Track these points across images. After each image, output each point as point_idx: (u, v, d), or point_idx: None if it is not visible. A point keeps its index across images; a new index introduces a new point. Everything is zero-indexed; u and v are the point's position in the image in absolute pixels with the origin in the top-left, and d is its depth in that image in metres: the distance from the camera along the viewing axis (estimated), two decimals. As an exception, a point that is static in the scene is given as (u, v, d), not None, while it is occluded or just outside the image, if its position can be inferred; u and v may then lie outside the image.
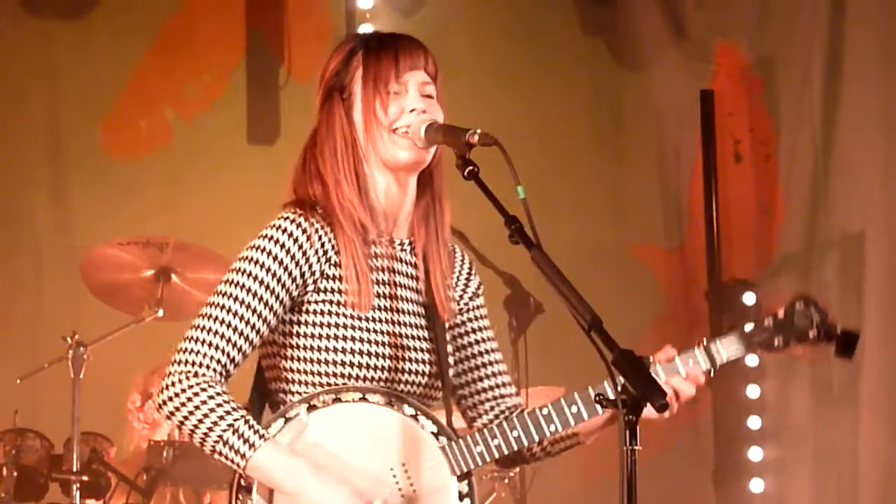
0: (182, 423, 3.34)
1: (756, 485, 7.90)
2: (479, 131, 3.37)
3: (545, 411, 3.41)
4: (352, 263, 3.46)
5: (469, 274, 3.73)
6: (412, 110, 3.49)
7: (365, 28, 7.81)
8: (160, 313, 6.38)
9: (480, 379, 3.68)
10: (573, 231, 7.53)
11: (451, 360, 3.62)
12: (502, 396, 3.69)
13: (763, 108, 8.18)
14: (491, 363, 3.70)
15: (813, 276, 7.90)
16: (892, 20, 7.44)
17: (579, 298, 3.18)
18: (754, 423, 7.97)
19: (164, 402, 3.35)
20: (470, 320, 3.70)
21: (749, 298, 8.08)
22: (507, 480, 6.60)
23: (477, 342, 3.69)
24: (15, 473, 6.07)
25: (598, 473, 7.20)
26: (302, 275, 3.44)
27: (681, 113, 8.27)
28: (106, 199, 7.61)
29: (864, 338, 7.36)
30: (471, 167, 3.34)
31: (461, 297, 3.68)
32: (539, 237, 3.27)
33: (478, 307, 3.71)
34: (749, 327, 3.50)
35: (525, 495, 6.63)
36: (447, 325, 3.62)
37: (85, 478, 6.06)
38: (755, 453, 7.93)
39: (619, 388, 3.05)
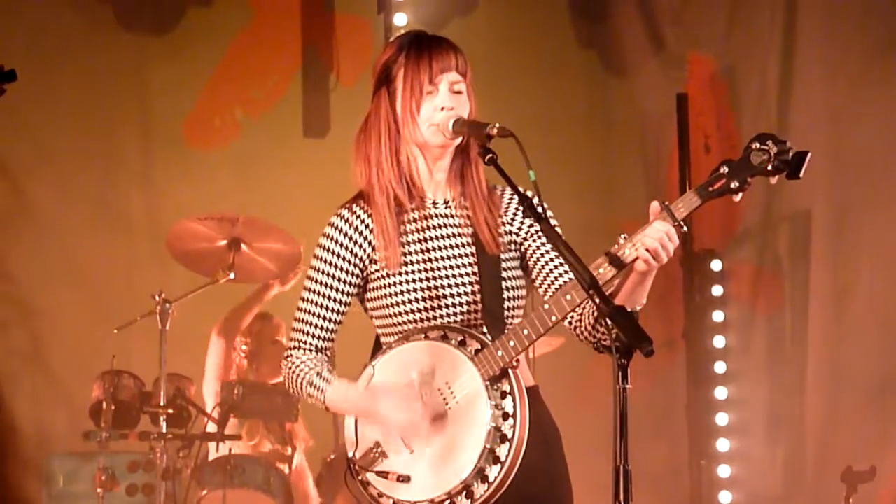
0: (290, 389, 3.56)
1: (721, 419, 7.86)
2: (497, 125, 3.34)
3: (546, 306, 3.32)
4: (380, 233, 3.49)
5: (518, 206, 3.59)
6: (442, 108, 3.47)
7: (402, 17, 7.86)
8: (232, 276, 6.36)
9: (552, 284, 3.52)
10: (572, 209, 7.39)
11: (517, 282, 3.53)
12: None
13: (728, 108, 8.11)
14: (559, 266, 3.53)
15: (768, 246, 7.85)
16: (833, 34, 7.38)
17: (580, 262, 3.14)
18: (720, 367, 7.92)
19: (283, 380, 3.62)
20: (532, 243, 3.57)
21: (716, 265, 8.02)
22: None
23: (542, 256, 3.55)
24: (113, 407, 6.07)
25: (593, 409, 7.20)
26: (355, 255, 3.51)
27: (660, 112, 8.20)
28: (187, 182, 7.57)
29: (806, 298, 7.43)
30: (490, 154, 3.32)
31: (520, 228, 3.58)
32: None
33: (537, 232, 3.56)
34: (704, 182, 3.23)
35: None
36: (511, 255, 3.56)
37: (170, 411, 6.05)
38: (720, 392, 7.88)
39: (615, 337, 3.01)
